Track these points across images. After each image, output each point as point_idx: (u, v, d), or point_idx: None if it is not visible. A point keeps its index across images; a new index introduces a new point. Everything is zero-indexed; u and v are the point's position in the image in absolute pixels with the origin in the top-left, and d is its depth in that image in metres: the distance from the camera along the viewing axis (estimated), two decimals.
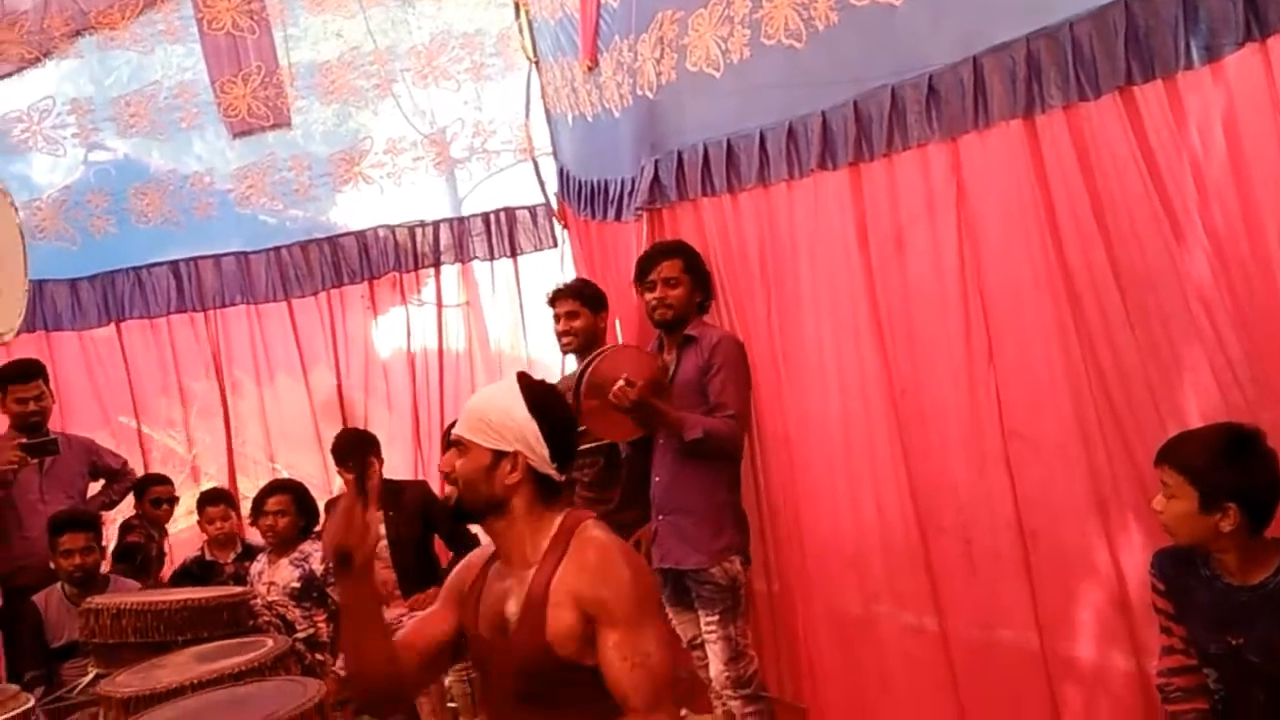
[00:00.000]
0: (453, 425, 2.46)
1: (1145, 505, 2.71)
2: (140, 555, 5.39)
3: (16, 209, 2.64)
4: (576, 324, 4.41)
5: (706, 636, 3.83)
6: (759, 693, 3.81)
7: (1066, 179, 2.85)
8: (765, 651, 4.14)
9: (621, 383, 3.62)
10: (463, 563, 2.41)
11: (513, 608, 2.19)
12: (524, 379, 2.30)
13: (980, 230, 3.13)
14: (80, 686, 3.96)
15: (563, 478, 2.26)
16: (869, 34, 3.33)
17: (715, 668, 3.81)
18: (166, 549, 5.73)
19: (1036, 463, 3.07)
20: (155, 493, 5.67)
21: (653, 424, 3.76)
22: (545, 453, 2.22)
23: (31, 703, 2.91)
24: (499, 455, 2.22)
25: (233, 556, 5.34)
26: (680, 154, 4.26)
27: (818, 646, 4.08)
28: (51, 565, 4.77)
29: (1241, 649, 2.31)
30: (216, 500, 5.48)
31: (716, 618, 3.78)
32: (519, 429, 2.21)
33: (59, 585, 4.75)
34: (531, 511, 2.24)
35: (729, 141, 3.97)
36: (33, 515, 5.05)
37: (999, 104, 2.98)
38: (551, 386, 2.45)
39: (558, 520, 2.25)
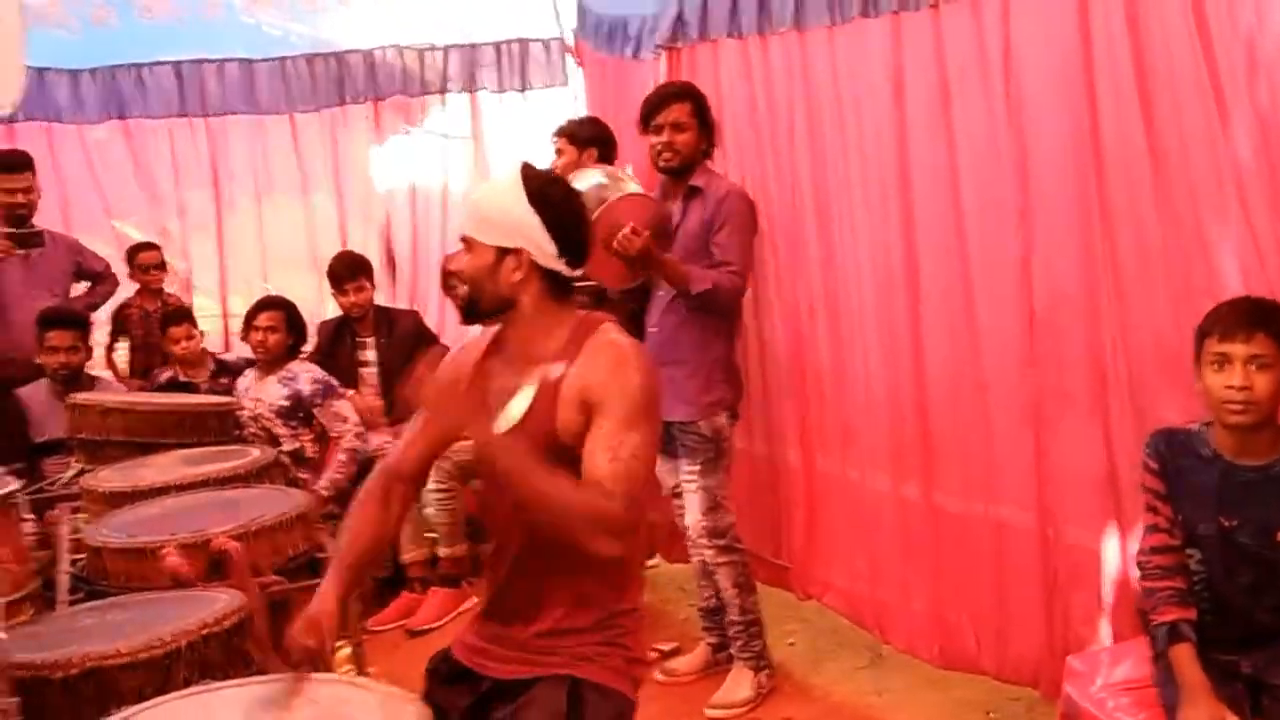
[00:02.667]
0: (452, 258, 2.42)
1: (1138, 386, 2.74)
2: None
3: None
4: (559, 161, 4.37)
5: (685, 486, 3.85)
6: (733, 544, 3.86)
7: (1113, 45, 2.75)
8: (744, 509, 4.19)
9: (627, 230, 3.56)
10: (447, 365, 2.31)
11: (520, 403, 2.15)
12: (527, 169, 2.20)
13: (1024, 92, 3.03)
14: (63, 480, 4.00)
15: (574, 273, 2.19)
16: None
17: (692, 516, 3.84)
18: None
19: (1051, 338, 3.04)
20: (143, 259, 5.70)
21: (656, 274, 3.72)
22: (552, 249, 2.14)
23: (15, 485, 2.91)
24: (503, 252, 2.14)
25: (206, 375, 5.29)
26: None
27: (801, 508, 4.14)
28: (38, 360, 4.79)
29: (1234, 530, 2.32)
30: (179, 320, 5.38)
31: (698, 468, 3.80)
32: (521, 224, 2.13)
33: (45, 380, 4.76)
34: (541, 310, 2.17)
35: None
36: (18, 309, 5.03)
37: None
38: (557, 177, 2.36)
39: (572, 320, 2.19)
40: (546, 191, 2.16)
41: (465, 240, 2.20)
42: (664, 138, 3.76)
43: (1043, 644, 3.15)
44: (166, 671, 2.23)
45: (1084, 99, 2.84)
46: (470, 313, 2.23)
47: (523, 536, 2.15)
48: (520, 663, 2.17)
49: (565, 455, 2.08)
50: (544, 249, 2.14)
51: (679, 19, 4.29)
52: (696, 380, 3.78)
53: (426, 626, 4.55)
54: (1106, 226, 2.84)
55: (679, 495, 4.01)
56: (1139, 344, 2.82)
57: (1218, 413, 2.31)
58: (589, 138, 4.41)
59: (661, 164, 3.81)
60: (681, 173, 3.80)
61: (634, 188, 3.74)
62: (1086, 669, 2.56)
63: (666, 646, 4.24)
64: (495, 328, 2.26)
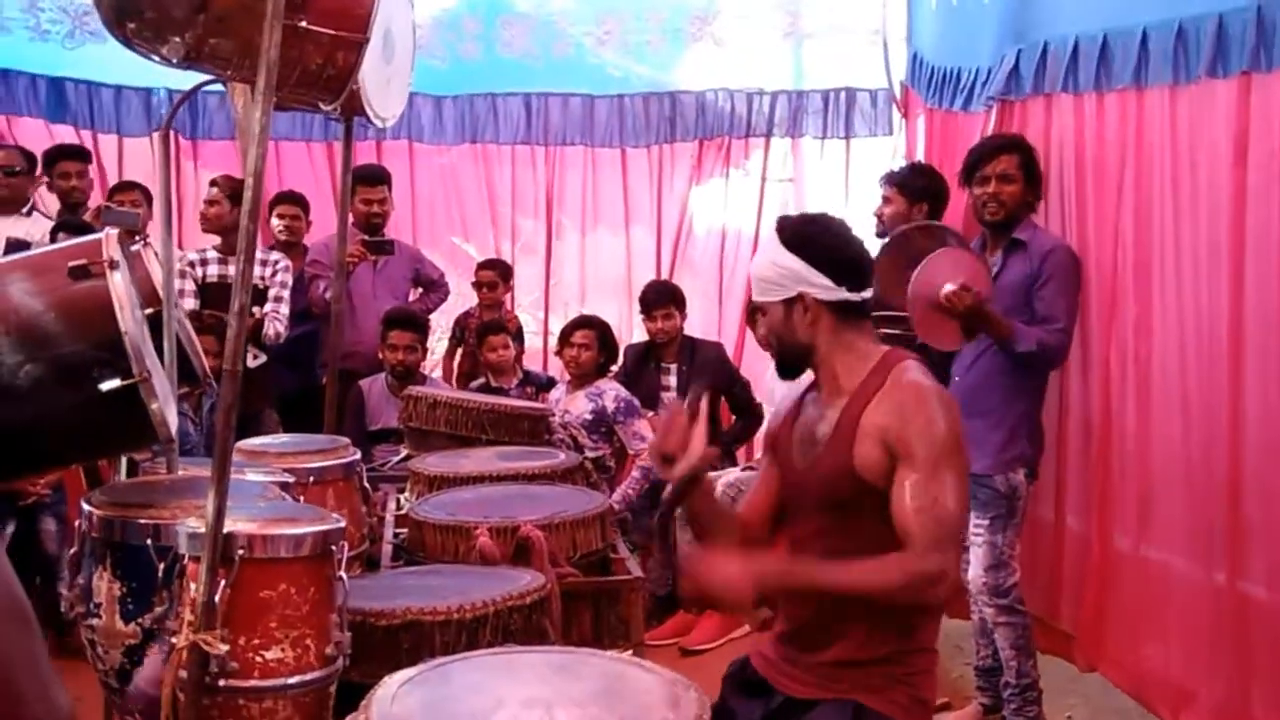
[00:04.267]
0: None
1: None
2: None
3: (412, 4, 2.89)
4: (887, 210, 4.40)
5: (972, 539, 3.77)
6: (1015, 605, 3.77)
7: None
8: (1029, 571, 4.06)
9: (955, 286, 3.54)
10: (776, 412, 2.47)
11: (824, 429, 2.24)
12: (779, 222, 2.32)
13: None
14: (392, 463, 4.41)
15: (861, 296, 2.24)
16: None
17: (974, 571, 3.78)
18: None
19: None
20: (481, 276, 6.12)
21: (981, 330, 3.67)
22: (826, 281, 2.21)
23: (358, 455, 3.27)
24: (788, 304, 2.24)
25: (514, 384, 5.56)
26: (1046, 45, 4.05)
27: (1093, 577, 3.99)
28: (380, 356, 5.30)
29: None
30: (497, 330, 5.64)
31: (986, 523, 3.73)
32: (790, 270, 2.22)
33: (384, 375, 5.26)
34: (839, 340, 2.25)
35: (1105, 36, 3.74)
36: (365, 308, 5.57)
37: None
38: (810, 217, 2.40)
39: (878, 355, 2.25)
40: (800, 232, 2.26)
41: (759, 308, 2.37)
42: (990, 189, 3.74)
43: None
44: (473, 632, 2.45)
45: None
46: (786, 370, 2.36)
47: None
48: (812, 685, 2.23)
49: (862, 489, 2.14)
50: (819, 284, 2.22)
51: (1015, 71, 4.26)
52: (999, 433, 3.72)
53: (701, 647, 4.67)
54: None
55: (965, 548, 3.96)
56: None
57: None
58: (922, 189, 4.38)
59: (987, 216, 3.79)
60: (1005, 226, 3.77)
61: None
62: None
63: (940, 700, 4.18)
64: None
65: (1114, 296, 3.77)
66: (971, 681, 4.08)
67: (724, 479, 4.85)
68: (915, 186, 4.40)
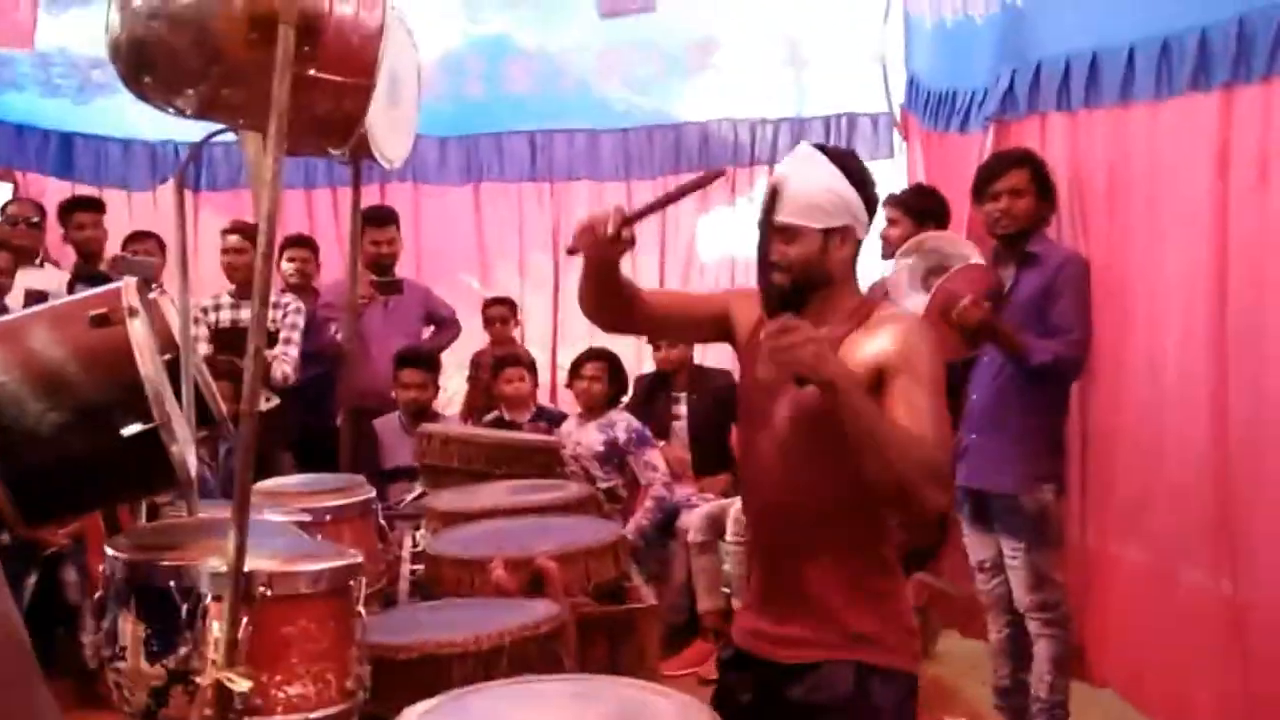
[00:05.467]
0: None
1: None
2: None
3: (414, 40, 2.96)
4: (895, 232, 4.45)
5: (1009, 562, 3.78)
6: (1062, 619, 3.74)
7: None
8: None
9: (966, 302, 3.60)
10: (741, 296, 2.42)
11: None
12: (829, 150, 2.28)
13: None
14: (407, 501, 4.46)
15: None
16: None
17: (1017, 593, 3.78)
18: None
19: None
20: (490, 313, 6.22)
21: (993, 345, 3.72)
22: (866, 219, 2.24)
23: (374, 493, 3.32)
24: (830, 232, 2.20)
25: (527, 417, 5.58)
26: (1039, 64, 4.14)
27: (1096, 591, 4.01)
28: (392, 395, 5.36)
29: None
30: (514, 363, 5.70)
31: (1023, 546, 3.73)
32: (846, 202, 2.20)
33: (397, 414, 5.33)
34: (848, 278, 2.27)
35: (1094, 54, 3.82)
36: (376, 348, 5.64)
37: None
38: (855, 154, 2.39)
39: (861, 293, 2.30)
40: (861, 169, 2.26)
41: (787, 228, 2.19)
42: (1001, 204, 3.76)
43: None
44: (490, 663, 2.47)
45: None
46: (788, 301, 2.16)
47: (790, 521, 2.23)
48: (803, 646, 2.22)
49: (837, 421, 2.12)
50: (863, 222, 2.24)
51: (1009, 92, 4.33)
52: (1020, 448, 3.74)
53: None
54: None
55: (984, 569, 3.97)
56: None
57: None
58: (925, 209, 4.47)
59: (999, 230, 3.81)
60: (1017, 239, 3.80)
61: (974, 257, 3.79)
62: None
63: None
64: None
65: (1109, 312, 3.80)
66: (988, 701, 4.09)
67: (701, 509, 4.92)
68: (920, 208, 4.49)
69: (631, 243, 2.29)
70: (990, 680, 4.07)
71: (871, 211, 2.26)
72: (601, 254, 2.30)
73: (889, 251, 4.45)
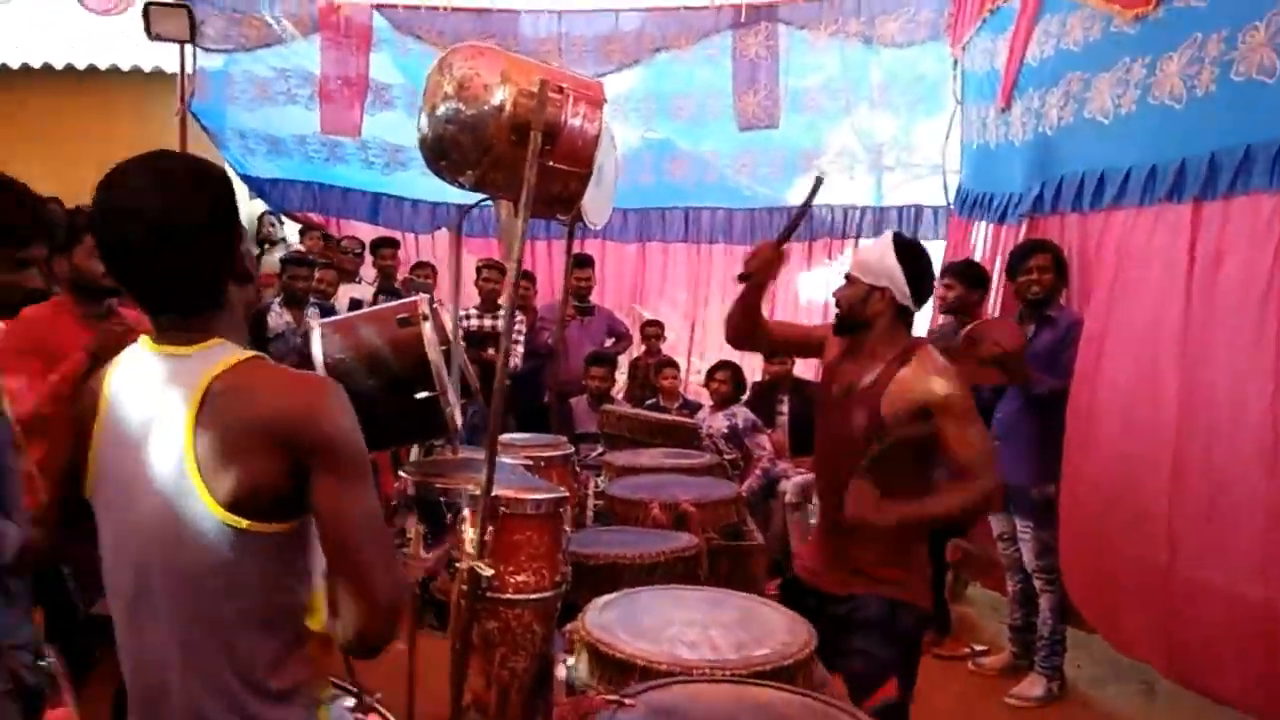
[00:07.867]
0: None
1: None
2: None
3: (615, 143, 3.03)
4: (951, 294, 4.33)
5: (1021, 536, 3.73)
6: (1058, 578, 3.63)
7: None
8: None
9: (994, 343, 3.55)
10: (829, 329, 2.43)
11: (867, 379, 2.23)
12: (898, 236, 2.29)
13: None
14: (591, 457, 4.51)
15: (918, 309, 2.26)
16: (1241, 101, 2.94)
17: (1027, 558, 3.72)
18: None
19: None
20: (648, 330, 6.17)
21: (1014, 377, 3.65)
22: (906, 290, 2.21)
23: (572, 449, 3.37)
24: (872, 289, 2.22)
25: (676, 405, 5.57)
26: (1062, 178, 4.00)
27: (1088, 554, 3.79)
28: (584, 384, 5.46)
29: None
30: (672, 364, 5.73)
31: (1030, 524, 3.68)
32: (888, 270, 2.20)
33: (586, 397, 5.42)
34: (888, 331, 2.25)
35: (1102, 172, 3.68)
36: (574, 352, 5.75)
37: None
38: (919, 244, 2.38)
39: (904, 343, 2.25)
40: (910, 251, 2.25)
41: (848, 276, 2.27)
42: (1033, 277, 3.71)
43: None
44: (650, 573, 2.50)
45: None
46: (840, 326, 2.30)
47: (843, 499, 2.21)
48: (849, 584, 2.24)
49: (881, 429, 2.14)
50: (900, 290, 2.21)
51: (1039, 197, 4.19)
52: (1033, 449, 3.66)
53: None
54: None
55: (1003, 539, 3.87)
56: None
57: None
58: (977, 277, 4.32)
59: (1030, 295, 3.74)
60: (1039, 305, 3.74)
61: None
62: None
63: (980, 647, 4.08)
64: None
65: (1098, 360, 3.59)
66: (1004, 635, 3.97)
67: (795, 479, 4.85)
68: (972, 275, 4.35)
69: (785, 258, 2.41)
70: (1006, 620, 3.98)
71: (914, 285, 2.21)
72: (768, 269, 2.36)
73: (947, 307, 4.34)
